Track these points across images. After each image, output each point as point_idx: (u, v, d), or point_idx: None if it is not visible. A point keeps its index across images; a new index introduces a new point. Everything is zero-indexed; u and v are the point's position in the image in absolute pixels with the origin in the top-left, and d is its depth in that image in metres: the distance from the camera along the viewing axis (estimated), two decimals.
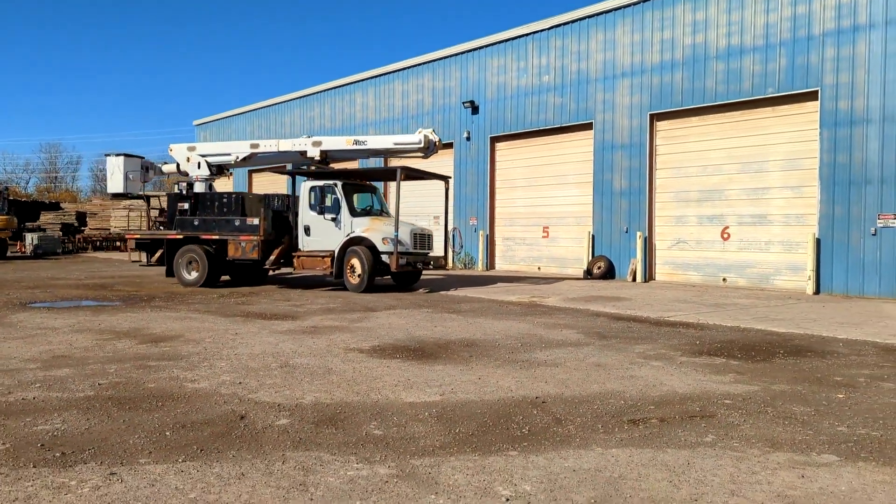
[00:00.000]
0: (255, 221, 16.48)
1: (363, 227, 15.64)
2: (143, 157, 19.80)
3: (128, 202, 47.12)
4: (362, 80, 28.43)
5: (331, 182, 16.32)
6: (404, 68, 26.24)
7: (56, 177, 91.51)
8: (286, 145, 17.55)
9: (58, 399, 6.03)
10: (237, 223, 16.79)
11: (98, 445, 4.77)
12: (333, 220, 15.97)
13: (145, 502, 3.80)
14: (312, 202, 16.23)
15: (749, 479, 4.17)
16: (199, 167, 18.32)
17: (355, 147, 16.78)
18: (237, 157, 18.07)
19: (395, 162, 19.07)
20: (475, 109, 23.28)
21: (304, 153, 17.21)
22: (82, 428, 5.19)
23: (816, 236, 15.39)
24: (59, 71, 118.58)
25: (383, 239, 15.17)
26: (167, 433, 5.07)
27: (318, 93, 31.02)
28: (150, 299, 14.21)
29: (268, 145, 17.79)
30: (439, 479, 4.15)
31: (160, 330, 10.00)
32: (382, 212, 16.86)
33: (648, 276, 18.56)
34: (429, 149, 16.15)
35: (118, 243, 41.50)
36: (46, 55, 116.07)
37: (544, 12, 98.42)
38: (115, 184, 18.99)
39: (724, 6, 17.02)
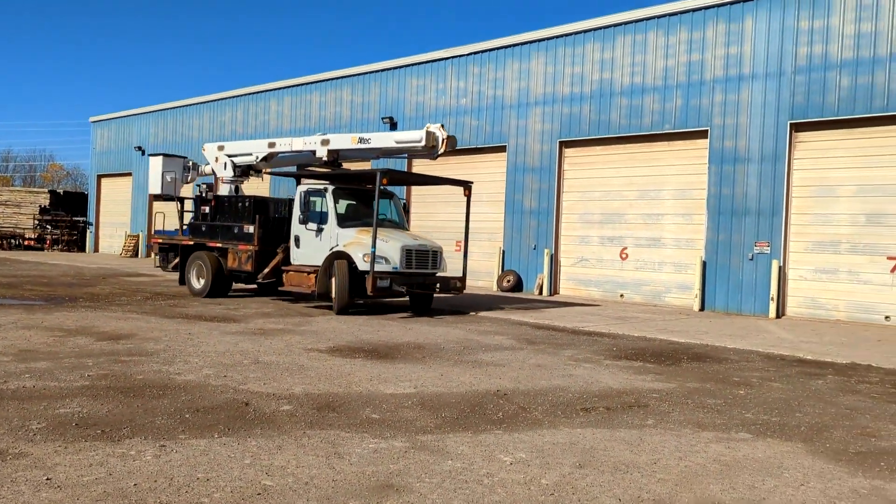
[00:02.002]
0: (251, 229, 15.14)
1: (347, 239, 13.76)
2: (186, 158, 18.81)
3: (4, 198, 44.81)
4: (279, 88, 28.69)
5: (320, 185, 14.64)
6: (323, 80, 26.78)
7: None
8: (298, 144, 16.04)
9: (58, 388, 6.41)
10: (236, 230, 15.54)
11: (130, 425, 5.31)
12: (318, 230, 14.19)
13: (209, 466, 4.45)
14: (300, 209, 14.49)
15: (690, 449, 5.29)
16: (225, 168, 17.19)
17: (361, 146, 14.93)
18: (257, 157, 16.67)
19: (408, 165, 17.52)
20: (394, 126, 24.16)
21: (314, 153, 15.60)
22: (103, 411, 5.67)
23: (703, 259, 17.28)
24: None
25: (364, 255, 13.11)
26: (187, 416, 5.65)
27: (230, 98, 30.94)
28: (73, 300, 14.14)
29: (283, 144, 16.39)
30: (448, 450, 5.02)
31: (109, 329, 10.24)
32: (398, 224, 14.93)
33: (553, 290, 20.03)
34: (434, 148, 14.01)
35: (1, 241, 39.31)
36: None
37: (467, 38, 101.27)
38: (154, 185, 17.78)
39: (628, 49, 18.80)
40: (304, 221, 14.35)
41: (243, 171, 17.25)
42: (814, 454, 5.30)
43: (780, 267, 16.05)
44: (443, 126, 14.12)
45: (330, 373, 7.64)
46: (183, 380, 6.97)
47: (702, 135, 17.58)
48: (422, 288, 13.69)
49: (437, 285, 13.86)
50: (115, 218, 37.75)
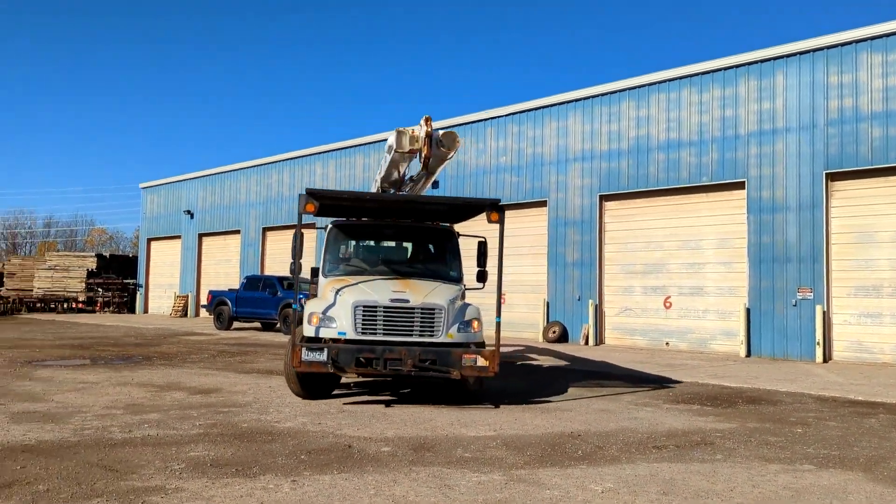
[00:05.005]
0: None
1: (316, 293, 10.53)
2: None
3: (53, 262, 46.48)
4: (323, 152, 30.02)
5: (325, 224, 11.33)
6: (367, 143, 27.99)
7: None
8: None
9: (178, 435, 7.15)
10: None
11: (257, 465, 6.00)
12: (314, 283, 10.94)
13: (342, 495, 5.11)
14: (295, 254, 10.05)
15: (761, 479, 5.82)
16: None
17: (385, 165, 11.28)
18: None
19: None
20: (435, 185, 25.05)
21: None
22: (228, 454, 6.38)
23: (747, 306, 17.69)
24: None
25: (311, 314, 9.37)
26: (302, 456, 6.33)
27: (276, 162, 32.35)
28: (148, 358, 15.00)
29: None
30: (543, 482, 5.62)
31: (196, 384, 11.01)
32: (420, 272, 10.72)
33: (599, 339, 20.49)
34: (417, 153, 10.00)
35: (53, 305, 40.79)
36: None
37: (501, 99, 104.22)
38: None
39: (663, 105, 19.64)
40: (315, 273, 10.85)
41: None
42: (874, 481, 5.79)
43: (824, 312, 16.39)
44: (429, 119, 9.88)
45: (413, 419, 8.28)
46: (284, 427, 7.67)
47: (739, 186, 18.18)
48: (385, 365, 8.88)
49: (427, 362, 8.90)
50: (163, 279, 39.14)
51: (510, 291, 22.98)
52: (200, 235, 36.45)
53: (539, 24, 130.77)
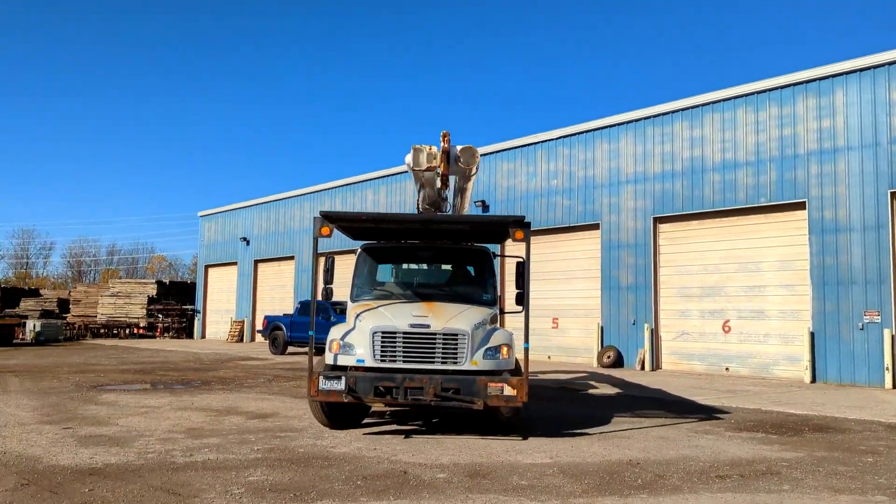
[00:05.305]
0: None
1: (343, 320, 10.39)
2: None
3: (116, 289, 47.93)
4: (374, 178, 30.42)
5: (358, 245, 10.87)
6: None
7: (27, 263, 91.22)
8: None
9: (237, 460, 7.25)
10: None
11: (314, 490, 6.03)
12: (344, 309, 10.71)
13: None
14: (325, 279, 10.13)
15: None
16: None
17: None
18: None
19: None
20: (485, 208, 25.19)
21: None
22: (286, 479, 6.44)
23: (811, 330, 17.12)
24: (41, 152, 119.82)
25: (332, 341, 9.06)
26: (359, 482, 6.34)
27: (328, 189, 32.91)
28: (206, 383, 15.29)
29: None
30: None
31: (253, 409, 11.17)
32: (474, 297, 10.05)
33: (656, 364, 20.08)
34: (435, 170, 9.85)
35: (116, 330, 42.04)
36: (31, 134, 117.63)
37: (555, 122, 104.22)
38: None
39: (718, 125, 19.34)
40: (326, 297, 10.12)
41: None
42: None
43: (892, 336, 15.75)
44: (446, 135, 9.63)
45: (467, 445, 8.22)
46: (340, 452, 7.70)
47: (799, 206, 17.70)
48: (406, 395, 8.39)
49: (450, 391, 8.37)
50: (220, 305, 40.01)
51: (562, 316, 22.79)
52: (256, 262, 37.18)
53: (589, 49, 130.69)
